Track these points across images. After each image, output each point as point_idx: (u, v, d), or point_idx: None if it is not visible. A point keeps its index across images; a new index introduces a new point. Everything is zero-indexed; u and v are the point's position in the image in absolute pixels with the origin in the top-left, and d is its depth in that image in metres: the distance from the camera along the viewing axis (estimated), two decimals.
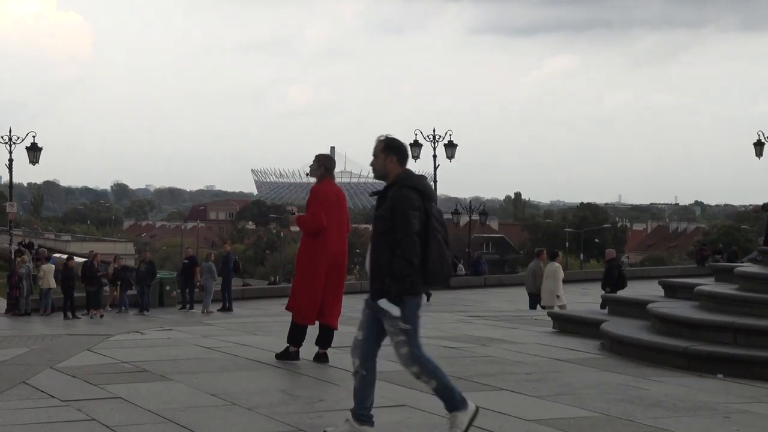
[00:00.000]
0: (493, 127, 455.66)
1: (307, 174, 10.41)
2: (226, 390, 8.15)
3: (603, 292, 22.81)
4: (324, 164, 9.90)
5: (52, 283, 28.67)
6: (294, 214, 9.96)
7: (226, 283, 28.66)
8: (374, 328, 6.30)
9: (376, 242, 6.24)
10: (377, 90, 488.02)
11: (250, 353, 10.48)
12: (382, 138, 6.39)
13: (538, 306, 19.55)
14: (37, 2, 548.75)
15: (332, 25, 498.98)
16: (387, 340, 6.30)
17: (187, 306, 28.69)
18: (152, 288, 29.38)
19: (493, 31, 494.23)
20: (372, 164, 6.40)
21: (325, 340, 9.80)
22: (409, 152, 6.48)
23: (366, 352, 6.34)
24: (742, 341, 9.93)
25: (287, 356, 9.84)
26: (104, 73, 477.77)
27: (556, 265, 20.30)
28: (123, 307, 28.76)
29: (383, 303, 6.14)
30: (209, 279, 28.13)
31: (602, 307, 21.84)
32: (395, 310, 6.10)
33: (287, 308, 10.09)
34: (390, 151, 6.32)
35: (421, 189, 6.22)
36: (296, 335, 9.84)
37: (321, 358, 9.74)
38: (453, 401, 6.30)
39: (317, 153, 10.00)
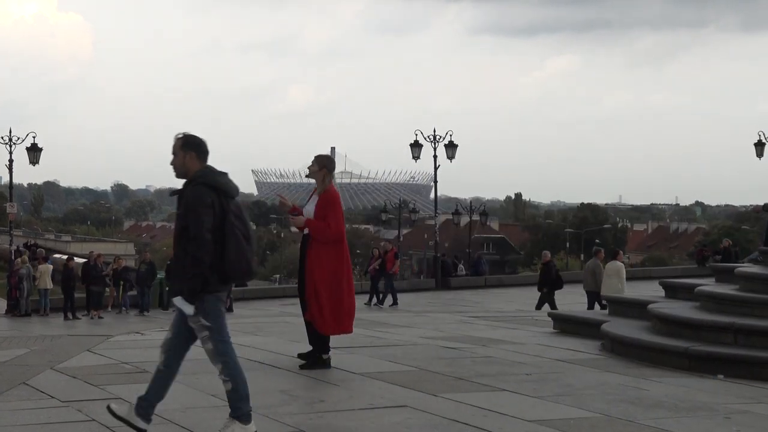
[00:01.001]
0: (494, 127, 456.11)
1: (307, 175, 9.79)
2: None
3: (540, 293, 23.82)
4: (326, 166, 9.50)
5: (49, 284, 28.70)
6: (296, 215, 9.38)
7: None
8: (182, 328, 6.36)
9: (175, 241, 6.24)
10: (377, 90, 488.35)
11: (250, 354, 10.47)
12: (180, 135, 6.33)
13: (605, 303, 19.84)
14: (38, 3, 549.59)
15: (332, 26, 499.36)
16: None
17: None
18: (152, 289, 29.42)
19: (493, 31, 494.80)
20: (172, 163, 6.32)
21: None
22: (208, 148, 6.37)
23: (171, 349, 6.39)
24: (742, 342, 9.92)
25: (319, 364, 9.39)
26: (104, 74, 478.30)
27: (619, 264, 20.71)
28: (124, 308, 28.79)
29: (178, 301, 6.19)
30: None
31: (538, 307, 22.50)
32: (189, 309, 6.13)
33: (311, 318, 9.37)
34: (188, 148, 6.29)
35: (217, 186, 6.19)
36: (325, 342, 9.48)
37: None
38: (240, 410, 6.24)
39: (317, 153, 9.60)
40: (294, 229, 9.62)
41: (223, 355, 6.23)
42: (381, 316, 17.77)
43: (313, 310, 9.30)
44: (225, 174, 6.34)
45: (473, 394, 8.15)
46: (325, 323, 9.31)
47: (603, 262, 21.98)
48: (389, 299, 26.76)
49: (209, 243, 6.02)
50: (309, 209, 9.37)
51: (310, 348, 9.61)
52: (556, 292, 23.77)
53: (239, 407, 6.22)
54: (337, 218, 9.35)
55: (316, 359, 9.42)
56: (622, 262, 21.23)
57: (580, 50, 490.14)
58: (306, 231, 9.38)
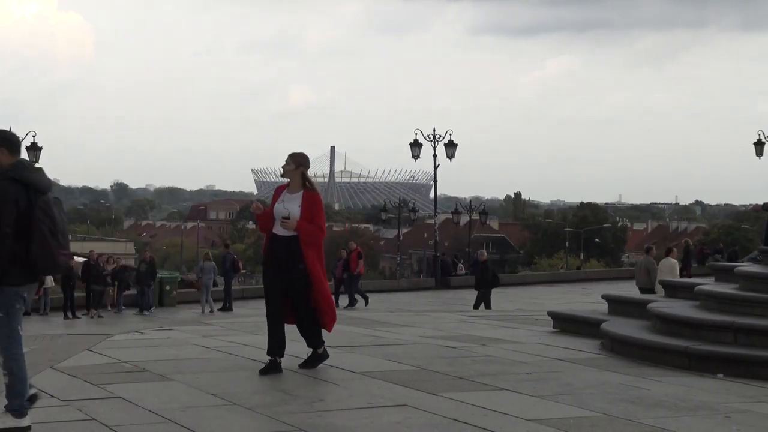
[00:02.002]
0: (494, 126, 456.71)
1: (282, 175, 9.30)
2: (226, 390, 8.14)
3: (478, 292, 24.58)
4: (302, 164, 9.13)
5: (49, 282, 28.74)
6: (288, 218, 8.89)
7: (226, 283, 28.76)
8: None
9: None
10: (378, 90, 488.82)
11: (250, 353, 10.46)
12: None
13: None
14: (38, 2, 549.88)
15: (333, 25, 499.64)
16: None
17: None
18: (152, 288, 29.44)
19: (493, 31, 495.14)
20: None
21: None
22: (19, 141, 6.52)
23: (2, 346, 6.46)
24: (742, 341, 9.92)
25: (321, 359, 9.35)
26: (104, 73, 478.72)
27: (673, 261, 20.88)
28: (120, 308, 28.81)
29: None
30: (210, 279, 28.19)
31: (476, 306, 22.98)
32: None
33: (326, 324, 9.31)
34: None
35: (25, 180, 6.28)
36: (320, 335, 9.38)
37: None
38: (13, 404, 6.33)
39: (291, 152, 9.15)
40: (281, 231, 8.93)
41: (5, 349, 6.32)
42: (381, 315, 17.77)
43: (326, 313, 9.27)
44: (38, 169, 6.47)
45: (473, 394, 8.15)
46: (333, 319, 9.36)
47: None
48: (356, 300, 26.79)
49: (9, 237, 6.12)
50: (294, 210, 8.97)
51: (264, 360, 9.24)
52: (493, 290, 24.89)
53: (13, 401, 6.32)
54: (324, 219, 9.27)
55: (316, 355, 9.36)
56: (675, 258, 21.47)
57: (580, 50, 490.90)
58: (281, 233, 9.02)
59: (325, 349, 9.44)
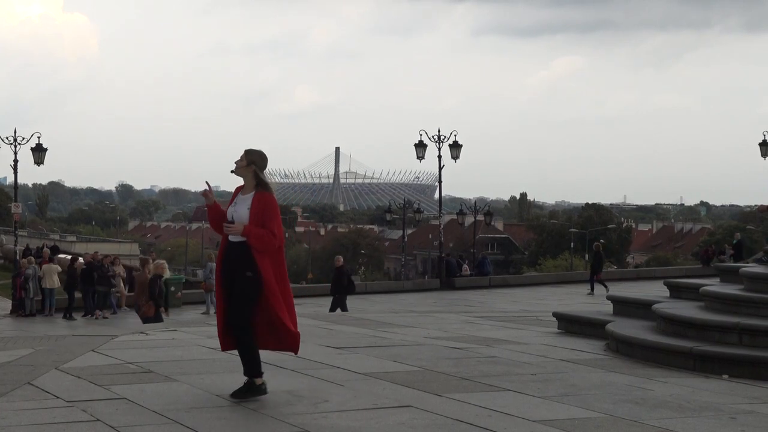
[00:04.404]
0: (498, 127, 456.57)
1: (232, 171, 7.97)
2: (230, 390, 8.14)
3: (333, 296, 25.17)
4: (255, 161, 7.89)
5: (56, 283, 28.78)
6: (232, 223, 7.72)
7: None
8: None
9: None
10: (383, 90, 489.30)
11: None
12: None
13: None
14: (44, 3, 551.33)
15: (338, 26, 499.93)
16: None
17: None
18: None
19: (498, 32, 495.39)
20: None
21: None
22: None
23: None
24: (747, 342, 9.91)
25: (257, 392, 7.86)
26: (110, 74, 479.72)
27: None
28: (114, 310, 28.80)
29: None
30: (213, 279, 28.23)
31: (331, 310, 22.93)
32: None
33: (292, 345, 7.96)
34: None
35: None
36: (259, 363, 7.90)
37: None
38: None
39: (247, 148, 7.97)
40: (234, 237, 7.77)
41: None
42: (385, 316, 17.76)
43: (285, 331, 7.85)
44: None
45: (478, 394, 8.15)
46: (296, 340, 7.94)
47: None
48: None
49: None
50: (241, 213, 7.79)
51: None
52: (348, 296, 25.24)
53: None
54: (278, 224, 7.86)
55: (251, 387, 7.87)
56: None
57: (585, 51, 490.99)
58: (233, 238, 7.82)
59: (264, 383, 7.90)
